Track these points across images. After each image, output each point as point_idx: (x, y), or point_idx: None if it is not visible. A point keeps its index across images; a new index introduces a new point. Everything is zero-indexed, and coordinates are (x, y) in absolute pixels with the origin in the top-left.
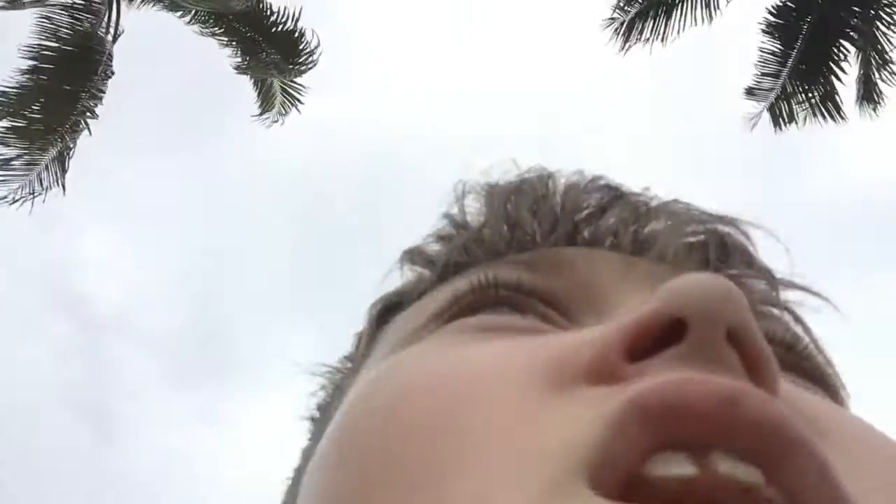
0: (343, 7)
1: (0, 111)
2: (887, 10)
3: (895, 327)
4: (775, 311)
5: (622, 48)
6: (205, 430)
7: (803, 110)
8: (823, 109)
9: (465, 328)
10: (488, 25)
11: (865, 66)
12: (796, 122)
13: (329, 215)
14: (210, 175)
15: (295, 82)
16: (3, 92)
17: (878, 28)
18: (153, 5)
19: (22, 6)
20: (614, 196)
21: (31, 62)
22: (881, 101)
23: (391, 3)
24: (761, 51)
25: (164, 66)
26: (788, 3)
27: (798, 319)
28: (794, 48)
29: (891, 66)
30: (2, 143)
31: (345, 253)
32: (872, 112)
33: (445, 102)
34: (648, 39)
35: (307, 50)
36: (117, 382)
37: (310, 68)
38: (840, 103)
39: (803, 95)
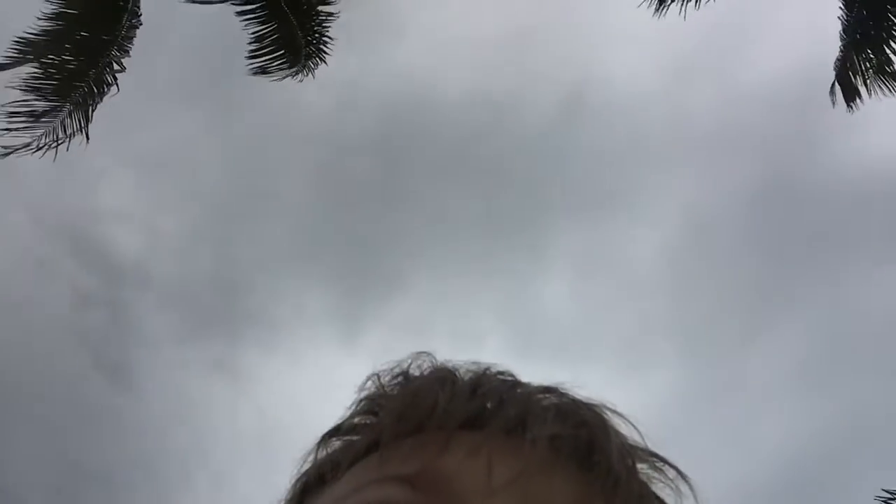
0: None
1: (22, 58)
2: None
3: None
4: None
5: (657, 9)
6: (219, 380)
7: (865, 81)
8: (883, 80)
9: None
10: None
11: None
12: (860, 97)
13: (347, 170)
14: (232, 126)
15: (321, 34)
16: (27, 39)
17: None
18: None
19: None
20: (497, 388)
21: (53, 7)
22: None
23: None
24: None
25: (191, 16)
26: None
27: None
28: (852, 18)
29: None
30: (26, 91)
31: (359, 211)
32: None
33: (467, 57)
34: (683, 1)
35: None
36: (135, 330)
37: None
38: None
39: (864, 65)
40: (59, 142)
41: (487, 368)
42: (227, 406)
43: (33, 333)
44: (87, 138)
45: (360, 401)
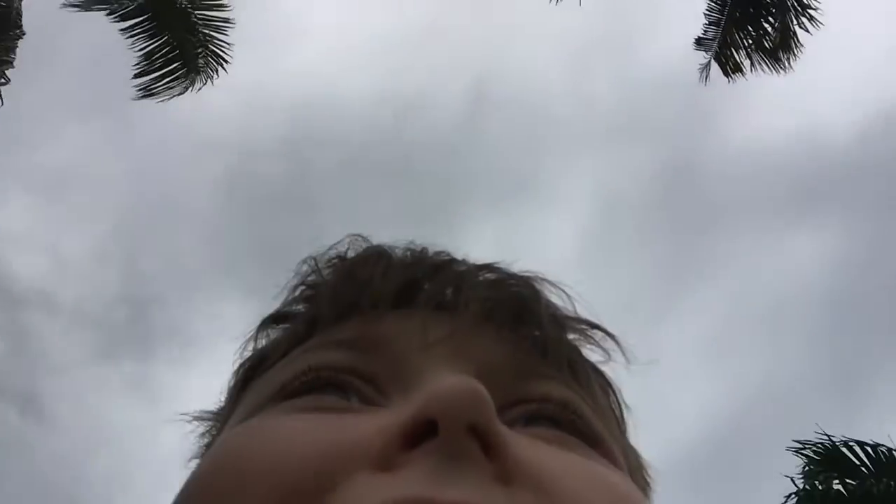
0: None
1: None
2: None
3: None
4: (553, 371)
5: None
6: (137, 400)
7: (744, 58)
8: (761, 56)
9: (291, 409)
10: None
11: (784, 13)
12: (742, 72)
13: (256, 176)
14: (131, 141)
15: (218, 39)
16: None
17: None
18: None
19: None
20: (432, 265)
21: None
22: (796, 49)
23: None
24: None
25: (78, 27)
26: None
27: (576, 375)
28: None
29: (809, 11)
30: None
31: (272, 216)
32: (788, 62)
33: (374, 48)
34: None
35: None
36: (41, 357)
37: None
38: (776, 50)
39: (743, 43)
40: None
41: (424, 248)
42: (147, 427)
43: None
44: None
45: (297, 285)
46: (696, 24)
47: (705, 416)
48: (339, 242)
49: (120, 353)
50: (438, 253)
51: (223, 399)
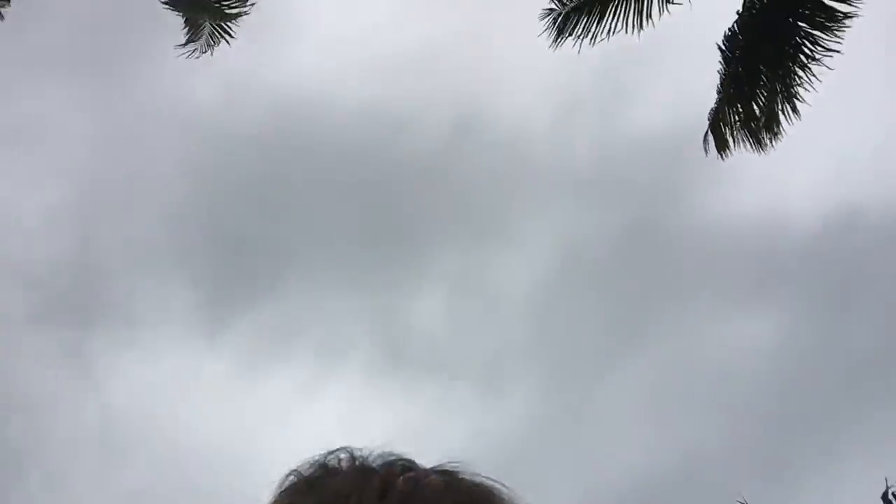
0: None
1: None
2: (807, 47)
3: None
4: None
5: (555, 40)
6: (68, 370)
7: (732, 132)
8: (748, 137)
9: None
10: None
11: (773, 97)
12: (728, 148)
13: (228, 170)
14: (113, 105)
15: (225, 13)
16: None
17: (795, 62)
18: None
19: None
20: (406, 493)
21: None
22: (779, 133)
23: None
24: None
25: None
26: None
27: None
28: (729, 74)
29: (795, 100)
30: None
31: (236, 210)
32: (771, 142)
33: (370, 65)
34: (580, 36)
35: None
36: None
37: (241, 13)
38: (759, 131)
39: (733, 118)
40: None
41: (397, 467)
42: (72, 399)
43: None
44: None
45: (281, 496)
46: (681, 95)
47: (631, 474)
48: (322, 454)
49: (60, 319)
50: (406, 468)
51: None
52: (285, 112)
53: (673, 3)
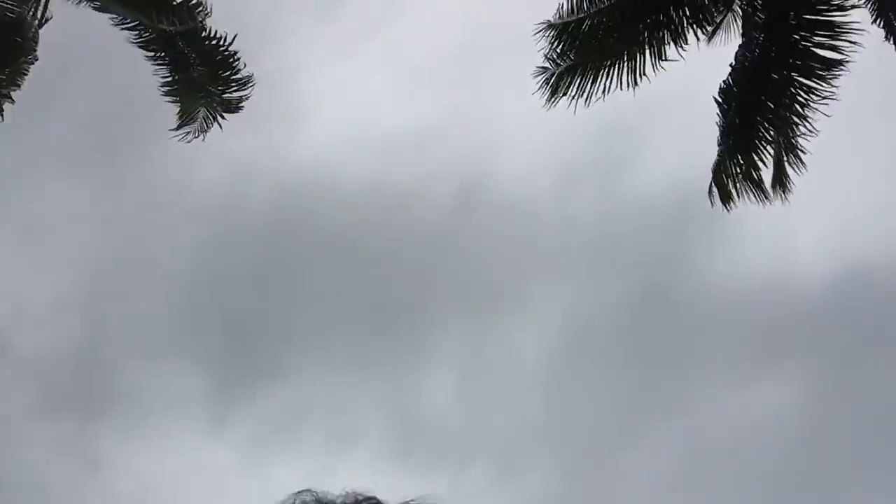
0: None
1: None
2: (801, 96)
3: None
4: None
5: (549, 100)
6: (72, 462)
7: (735, 185)
8: (750, 187)
9: None
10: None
11: (778, 148)
12: (732, 200)
13: (232, 255)
14: (119, 193)
15: (223, 98)
16: None
17: (791, 111)
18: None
19: None
20: None
21: None
22: (788, 185)
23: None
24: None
25: (88, 76)
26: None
27: None
28: (727, 125)
29: (797, 150)
30: None
31: (243, 295)
32: (783, 195)
33: (371, 142)
34: (574, 96)
35: (240, 80)
36: None
37: (240, 102)
38: (761, 182)
39: (735, 170)
40: None
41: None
42: (77, 490)
43: None
44: None
45: None
46: (684, 154)
47: None
48: (287, 499)
49: (65, 410)
50: None
51: None
52: (289, 193)
53: (666, 59)
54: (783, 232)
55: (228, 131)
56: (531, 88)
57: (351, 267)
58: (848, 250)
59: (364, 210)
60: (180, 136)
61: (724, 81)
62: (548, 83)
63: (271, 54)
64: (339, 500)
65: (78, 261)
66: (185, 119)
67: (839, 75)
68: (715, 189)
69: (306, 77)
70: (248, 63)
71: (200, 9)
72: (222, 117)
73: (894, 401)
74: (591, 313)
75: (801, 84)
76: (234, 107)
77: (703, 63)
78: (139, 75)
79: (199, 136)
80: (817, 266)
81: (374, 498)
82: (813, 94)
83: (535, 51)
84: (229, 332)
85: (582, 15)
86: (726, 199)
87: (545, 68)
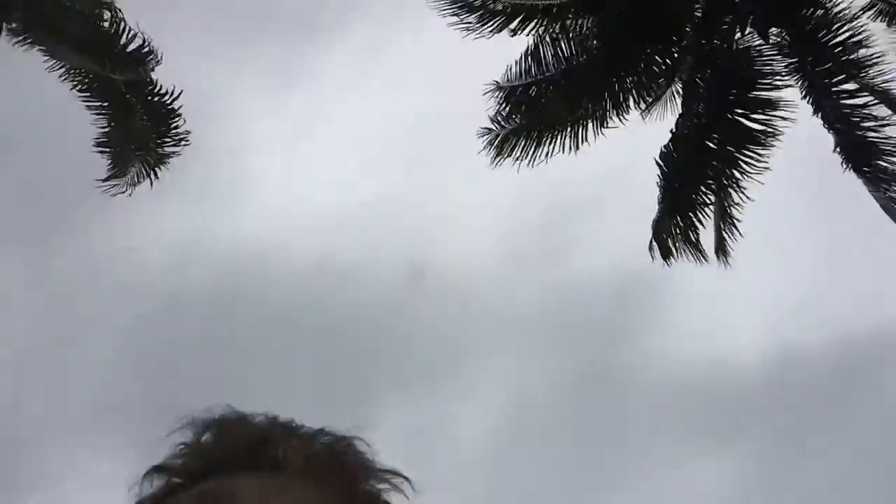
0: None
1: None
2: (738, 166)
3: None
4: None
5: (493, 161)
6: None
7: (674, 244)
8: (688, 247)
9: None
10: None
11: (716, 214)
12: (672, 256)
13: (173, 332)
14: (51, 268)
15: (158, 152)
16: None
17: (726, 178)
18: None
19: None
20: (261, 433)
21: None
22: (728, 252)
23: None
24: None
25: (21, 141)
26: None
27: None
28: (667, 187)
29: (733, 219)
30: None
31: (175, 375)
32: (725, 262)
33: (315, 220)
34: (518, 158)
35: (178, 135)
36: None
37: (170, 157)
38: (698, 243)
39: (675, 230)
40: None
41: (273, 417)
42: None
43: None
44: None
45: (178, 444)
46: (625, 233)
47: None
48: (213, 407)
49: None
50: (283, 423)
51: None
52: (232, 270)
53: (608, 128)
54: (721, 313)
55: (171, 206)
56: (481, 165)
57: (293, 344)
58: (784, 331)
59: (308, 287)
60: (106, 188)
61: (664, 147)
62: (492, 144)
63: (220, 130)
64: (249, 424)
65: (3, 340)
66: (116, 172)
67: (771, 147)
68: (655, 244)
69: (253, 155)
70: (197, 137)
71: (151, 56)
72: (154, 175)
73: (831, 479)
74: (533, 391)
75: (736, 154)
76: (164, 162)
77: (645, 134)
78: (75, 139)
79: (127, 190)
80: (755, 346)
81: (289, 422)
82: (747, 164)
83: (480, 135)
84: (154, 413)
85: (529, 80)
86: (666, 254)
87: (490, 129)
